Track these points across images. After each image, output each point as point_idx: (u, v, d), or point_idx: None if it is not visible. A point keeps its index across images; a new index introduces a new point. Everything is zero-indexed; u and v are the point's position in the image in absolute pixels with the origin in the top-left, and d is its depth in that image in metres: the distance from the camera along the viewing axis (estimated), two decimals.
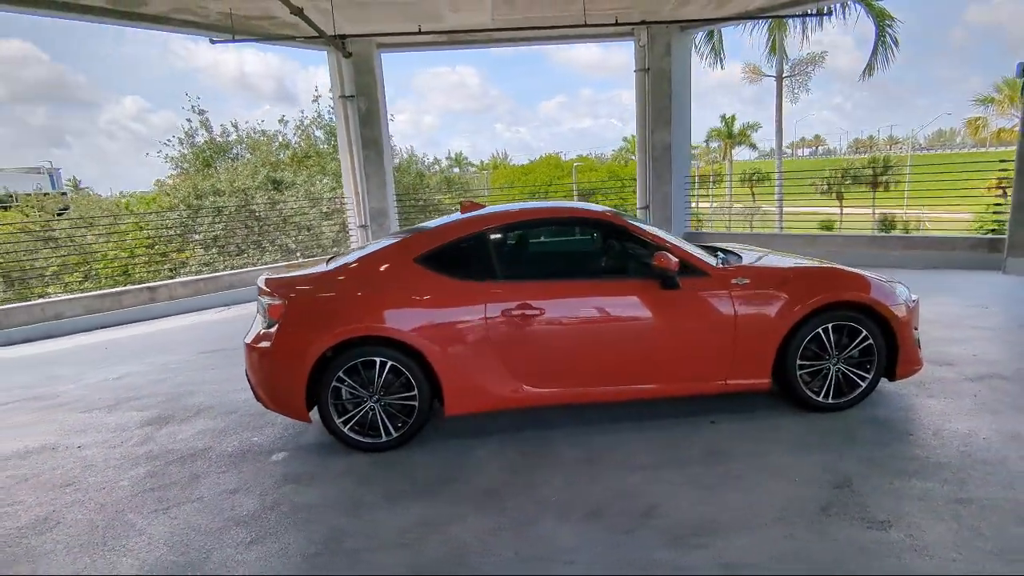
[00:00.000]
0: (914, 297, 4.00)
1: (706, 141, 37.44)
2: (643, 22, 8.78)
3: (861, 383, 3.74)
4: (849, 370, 3.72)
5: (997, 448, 3.19)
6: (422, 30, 7.85)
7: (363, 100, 9.66)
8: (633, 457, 3.36)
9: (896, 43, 20.34)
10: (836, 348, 3.69)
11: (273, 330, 3.54)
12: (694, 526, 2.68)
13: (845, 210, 27.18)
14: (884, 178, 26.73)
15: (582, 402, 3.82)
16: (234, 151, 15.87)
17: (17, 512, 3.16)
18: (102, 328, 7.73)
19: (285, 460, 3.59)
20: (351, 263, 3.74)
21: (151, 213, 13.41)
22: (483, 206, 4.36)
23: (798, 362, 3.68)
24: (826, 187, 25.78)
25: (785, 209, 18.65)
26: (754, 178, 30.26)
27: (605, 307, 3.63)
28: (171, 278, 10.33)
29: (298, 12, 6.07)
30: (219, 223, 12.54)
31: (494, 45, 10.25)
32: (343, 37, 8.25)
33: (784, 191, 19.25)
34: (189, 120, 15.42)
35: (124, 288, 8.15)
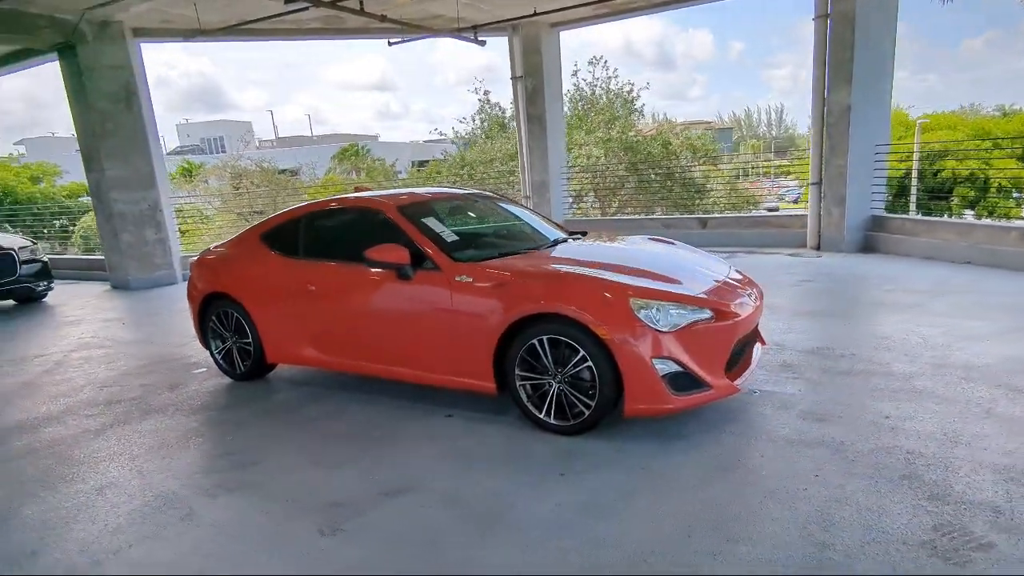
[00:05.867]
0: (697, 322, 3.18)
1: None
2: None
3: (585, 409, 3.26)
4: (571, 392, 3.28)
5: (563, 515, 2.60)
6: (537, 12, 8.14)
7: (530, 80, 10.31)
8: (331, 425, 3.78)
9: None
10: (556, 364, 3.29)
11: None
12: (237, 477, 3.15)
13: None
14: None
15: (356, 372, 4.25)
16: (512, 125, 17.98)
17: (38, 362, 5.38)
18: None
19: (199, 375, 5.03)
20: (235, 237, 4.89)
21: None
22: (370, 190, 4.95)
23: (518, 373, 3.42)
24: None
25: None
26: None
27: (357, 290, 3.99)
28: None
29: (358, 10, 7.28)
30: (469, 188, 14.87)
31: (656, 10, 9.56)
32: (476, 27, 9.10)
33: None
34: (479, 100, 18.15)
35: None
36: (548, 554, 2.38)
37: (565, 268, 3.53)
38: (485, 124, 18.20)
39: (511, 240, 4.29)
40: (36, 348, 6.33)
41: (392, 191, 4.66)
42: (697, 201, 15.02)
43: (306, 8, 7.44)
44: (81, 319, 7.70)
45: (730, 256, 8.46)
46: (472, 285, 3.53)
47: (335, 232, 4.33)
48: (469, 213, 4.71)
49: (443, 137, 18.18)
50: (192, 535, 2.68)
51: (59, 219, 17.44)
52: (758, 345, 3.96)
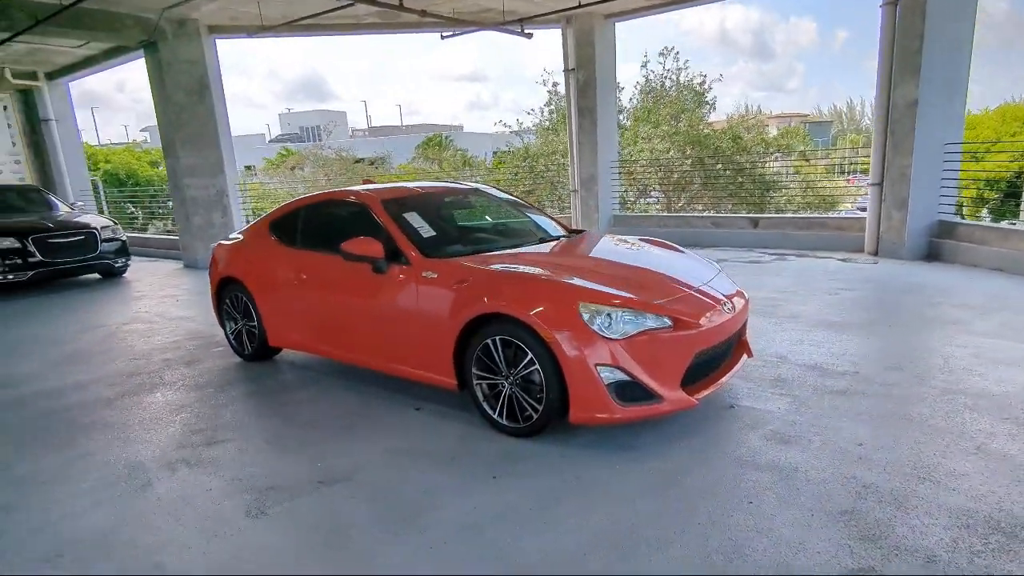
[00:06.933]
0: (650, 329, 3.04)
1: None
2: None
3: (533, 413, 3.21)
4: (522, 395, 3.24)
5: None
6: (582, 3, 7.99)
7: (582, 72, 10.13)
8: (307, 410, 3.93)
9: None
10: (509, 366, 3.26)
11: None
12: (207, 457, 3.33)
13: None
14: None
15: (340, 360, 4.38)
16: None
17: (96, 332, 5.87)
18: None
19: (216, 352, 5.35)
20: (251, 224, 5.13)
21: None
22: (375, 183, 5.06)
23: (475, 372, 3.41)
24: None
25: None
26: None
27: (340, 282, 4.09)
28: None
29: (398, 6, 7.38)
30: (527, 180, 14.91)
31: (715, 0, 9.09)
32: (523, 20, 9.02)
33: None
34: (548, 92, 18.00)
35: None
36: (445, 557, 2.37)
37: (526, 269, 3.47)
38: (553, 116, 18.06)
39: (495, 237, 4.27)
40: (100, 319, 6.94)
41: (387, 184, 4.74)
42: (769, 199, 14.30)
43: (351, 4, 7.67)
44: (145, 295, 8.37)
45: (779, 259, 8.01)
46: (435, 281, 3.55)
47: (326, 223, 4.46)
48: (462, 209, 4.72)
49: (507, 128, 18.26)
50: (138, 505, 2.87)
51: (170, 199, 18.95)
52: (744, 357, 3.75)
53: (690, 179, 14.17)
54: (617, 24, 10.46)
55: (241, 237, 5.07)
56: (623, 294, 3.20)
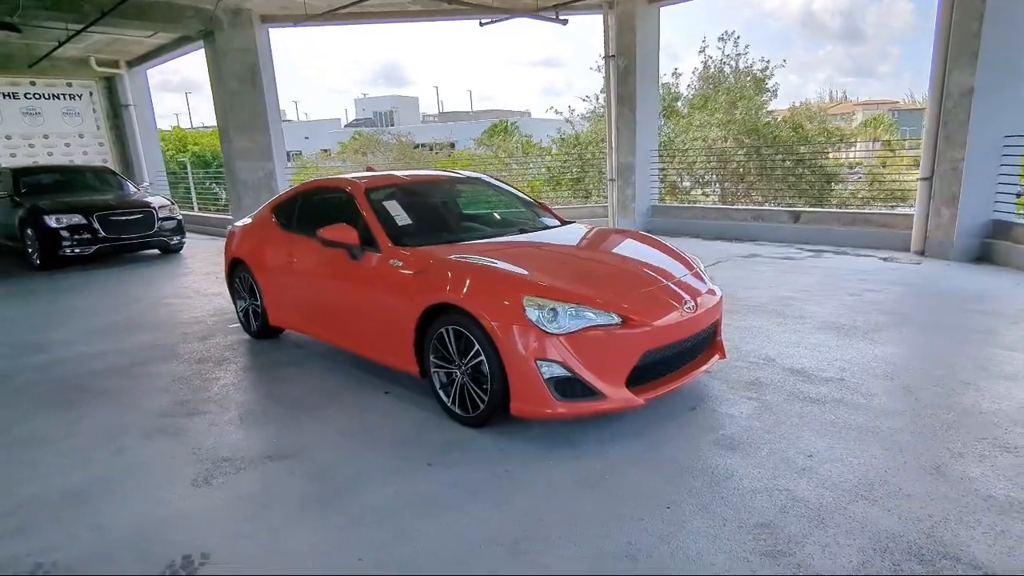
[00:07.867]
0: (598, 325, 2.99)
1: None
2: None
3: (480, 403, 3.23)
4: (471, 385, 3.27)
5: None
6: None
7: (622, 58, 9.90)
8: (288, 388, 4.10)
9: None
10: (461, 356, 3.29)
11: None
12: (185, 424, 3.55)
13: None
14: None
15: (324, 341, 4.53)
16: None
17: (135, 305, 6.29)
18: None
19: (232, 328, 5.65)
20: (260, 208, 5.35)
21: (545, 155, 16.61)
22: (376, 171, 5.16)
23: (433, 360, 3.46)
24: None
25: None
26: None
27: (323, 266, 4.22)
28: None
29: None
30: (578, 168, 14.79)
31: None
32: (558, 6, 8.86)
33: None
34: (605, 78, 17.61)
35: None
36: (343, 542, 2.42)
37: (483, 260, 3.46)
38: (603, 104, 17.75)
39: (475, 227, 4.28)
40: (142, 293, 7.44)
41: (379, 173, 4.82)
42: (830, 191, 13.55)
43: None
44: (193, 271, 8.90)
45: (814, 256, 7.62)
46: (399, 270, 3.61)
47: (317, 209, 4.60)
48: (452, 198, 4.73)
49: (558, 115, 18.08)
50: (103, 468, 3.11)
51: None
52: (716, 357, 3.63)
53: (745, 169, 13.61)
54: (673, 8, 10.17)
55: (251, 220, 5.31)
56: (571, 288, 3.15)
